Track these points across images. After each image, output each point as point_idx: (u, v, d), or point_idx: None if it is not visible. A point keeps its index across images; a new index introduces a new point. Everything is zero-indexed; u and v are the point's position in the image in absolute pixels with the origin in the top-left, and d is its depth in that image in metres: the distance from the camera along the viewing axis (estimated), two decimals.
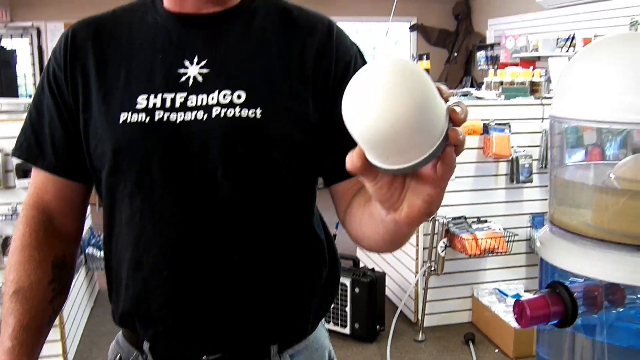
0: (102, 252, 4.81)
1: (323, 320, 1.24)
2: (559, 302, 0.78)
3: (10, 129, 3.14)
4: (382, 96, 0.62)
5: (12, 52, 5.48)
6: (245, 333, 1.11)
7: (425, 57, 4.72)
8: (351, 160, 0.69)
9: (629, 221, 0.79)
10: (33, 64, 8.89)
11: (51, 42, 8.80)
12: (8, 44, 8.40)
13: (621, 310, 0.81)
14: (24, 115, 3.48)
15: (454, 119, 0.65)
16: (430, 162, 0.66)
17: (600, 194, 0.85)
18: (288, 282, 1.12)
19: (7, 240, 3.19)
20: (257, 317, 1.11)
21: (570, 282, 0.80)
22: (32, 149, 1.15)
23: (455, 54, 9.08)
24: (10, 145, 3.07)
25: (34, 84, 8.88)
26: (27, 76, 8.84)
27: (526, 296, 0.79)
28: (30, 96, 8.42)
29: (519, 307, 0.79)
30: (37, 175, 1.16)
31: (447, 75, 8.86)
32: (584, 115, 0.79)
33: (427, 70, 5.32)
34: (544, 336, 0.92)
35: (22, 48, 8.72)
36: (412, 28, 9.44)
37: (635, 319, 0.80)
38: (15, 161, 3.13)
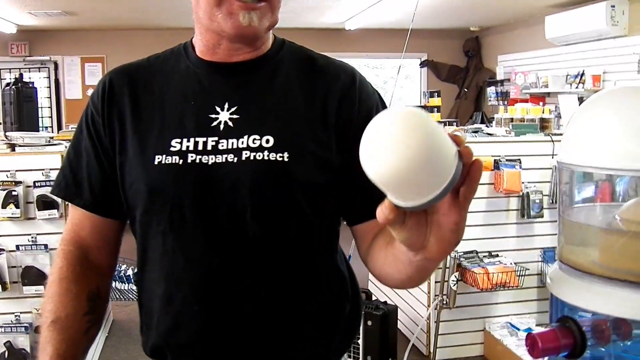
0: (116, 283, 4.87)
1: (345, 355, 1.29)
2: (569, 335, 0.83)
3: (31, 161, 3.24)
4: (392, 141, 0.69)
5: (34, 88, 5.65)
6: None
7: (436, 94, 4.81)
8: (382, 213, 0.74)
9: (634, 260, 0.85)
10: (49, 97, 9.07)
11: (68, 76, 8.98)
12: (26, 77, 8.58)
13: (629, 343, 0.86)
14: (45, 149, 3.53)
15: (457, 141, 0.72)
16: (446, 195, 0.72)
17: (606, 235, 0.91)
18: (312, 317, 1.17)
19: (27, 270, 3.25)
20: (282, 350, 1.15)
21: (579, 316, 0.86)
22: (70, 188, 1.22)
23: (466, 90, 9.18)
24: (31, 177, 3.18)
25: (50, 117, 9.03)
26: (43, 109, 9.00)
27: (538, 330, 0.84)
28: (46, 129, 8.56)
29: (531, 340, 0.84)
30: (75, 212, 1.23)
31: (457, 111, 8.96)
32: (590, 163, 0.86)
33: (438, 107, 5.41)
34: None
35: (39, 81, 8.90)
36: (422, 64, 9.57)
37: None
38: (36, 193, 3.21)
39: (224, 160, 1.10)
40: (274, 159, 1.09)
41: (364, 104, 1.17)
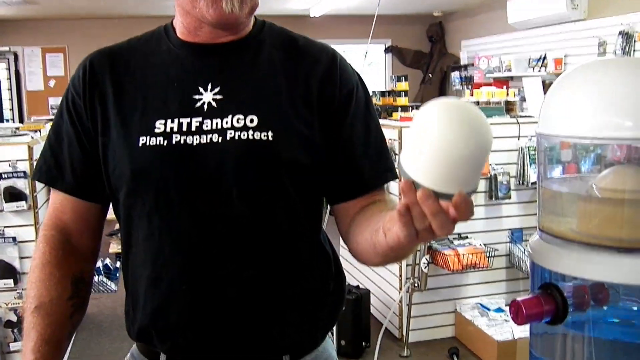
0: None
1: (330, 333, 1.31)
2: (551, 301, 0.86)
3: None
4: (476, 122, 0.76)
5: None
6: (259, 344, 1.17)
7: (403, 78, 4.84)
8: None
9: (610, 226, 0.88)
10: (10, 89, 8.88)
11: (29, 67, 8.80)
12: None
13: (606, 308, 0.90)
14: (11, 140, 3.45)
15: None
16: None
17: (584, 203, 0.94)
18: (299, 295, 1.18)
19: None
20: (270, 329, 1.16)
21: (560, 283, 0.89)
22: (51, 172, 1.21)
23: (430, 75, 9.25)
24: None
25: (11, 109, 8.85)
26: (4, 101, 8.81)
27: (521, 297, 0.88)
28: (7, 121, 8.39)
29: (515, 307, 0.87)
30: (56, 196, 1.22)
31: (422, 96, 9.02)
32: (566, 132, 0.89)
33: (406, 92, 5.45)
34: (536, 340, 1.00)
35: None
36: (387, 50, 9.61)
37: (619, 315, 0.90)
38: (3, 185, 3.16)
39: (208, 140, 1.10)
40: (258, 138, 1.10)
41: (345, 84, 1.18)
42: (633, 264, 0.85)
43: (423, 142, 0.76)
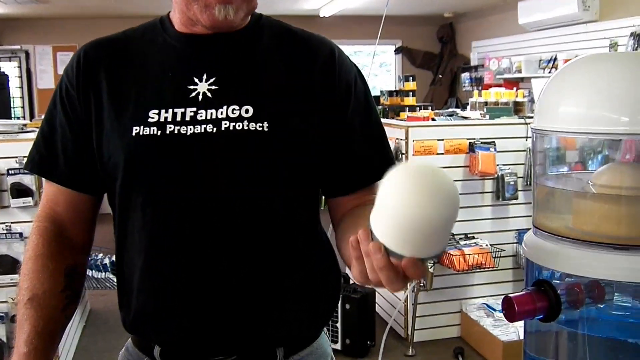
0: (93, 272, 4.84)
1: (325, 328, 1.30)
2: (544, 298, 0.85)
3: (4, 149, 3.20)
4: (444, 189, 0.75)
5: (6, 75, 5.57)
6: (253, 337, 1.16)
7: (411, 78, 4.82)
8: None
9: (607, 223, 0.87)
10: (21, 87, 8.92)
11: (40, 65, 8.84)
12: None
13: (601, 306, 0.88)
14: (19, 136, 3.46)
15: None
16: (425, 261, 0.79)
17: (579, 200, 0.93)
18: (295, 289, 1.18)
19: (1, 259, 3.21)
20: (265, 321, 1.16)
21: (554, 281, 0.88)
22: (44, 162, 1.20)
23: (440, 76, 9.21)
24: (4, 165, 3.14)
25: (22, 107, 8.89)
26: (15, 99, 8.85)
27: (514, 293, 0.86)
28: (18, 118, 8.42)
29: (508, 303, 0.86)
30: (50, 188, 1.22)
31: (432, 97, 8.99)
32: (561, 127, 0.88)
33: (413, 92, 5.44)
34: (531, 338, 0.99)
35: (10, 71, 8.75)
36: (397, 50, 9.58)
37: (613, 313, 0.88)
38: (10, 181, 3.17)
39: (202, 130, 1.09)
40: (253, 128, 1.09)
41: (344, 76, 1.17)
42: (630, 261, 0.83)
43: (384, 199, 0.78)
